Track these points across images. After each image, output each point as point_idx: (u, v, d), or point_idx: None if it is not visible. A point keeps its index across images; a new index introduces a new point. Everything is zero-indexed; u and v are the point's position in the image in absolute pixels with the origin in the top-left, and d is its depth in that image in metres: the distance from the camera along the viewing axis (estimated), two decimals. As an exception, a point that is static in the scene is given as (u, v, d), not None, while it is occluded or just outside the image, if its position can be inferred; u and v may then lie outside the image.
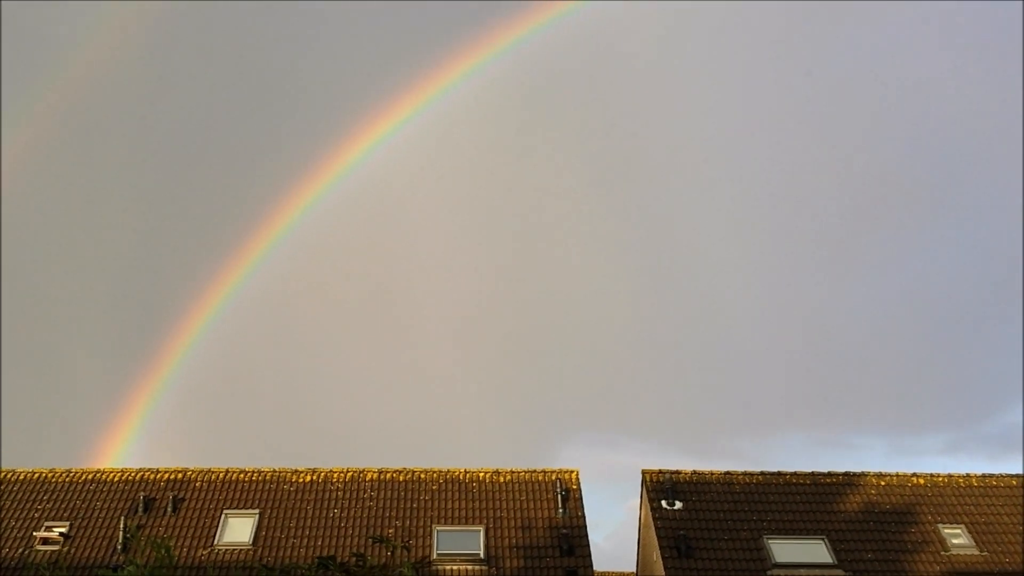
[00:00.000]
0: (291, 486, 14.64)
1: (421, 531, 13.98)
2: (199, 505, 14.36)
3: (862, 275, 21.88)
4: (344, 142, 16.65)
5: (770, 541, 14.49)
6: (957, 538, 14.64)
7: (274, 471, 15.32)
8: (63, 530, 13.91)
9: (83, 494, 14.56)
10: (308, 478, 14.74)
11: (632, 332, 20.88)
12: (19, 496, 14.53)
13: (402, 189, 18.92)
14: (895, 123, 20.74)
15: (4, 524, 14.16)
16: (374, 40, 18.60)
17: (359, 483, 14.74)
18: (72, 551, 13.68)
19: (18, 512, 14.27)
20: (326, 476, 14.79)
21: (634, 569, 15.99)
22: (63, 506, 14.35)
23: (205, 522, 14.10)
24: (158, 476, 14.80)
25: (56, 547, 13.73)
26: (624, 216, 20.84)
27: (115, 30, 18.15)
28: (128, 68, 18.79)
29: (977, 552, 14.44)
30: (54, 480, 14.83)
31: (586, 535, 13.97)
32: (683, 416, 21.81)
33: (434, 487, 14.64)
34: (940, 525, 14.88)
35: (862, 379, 21.25)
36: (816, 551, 14.40)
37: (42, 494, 14.59)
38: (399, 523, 14.12)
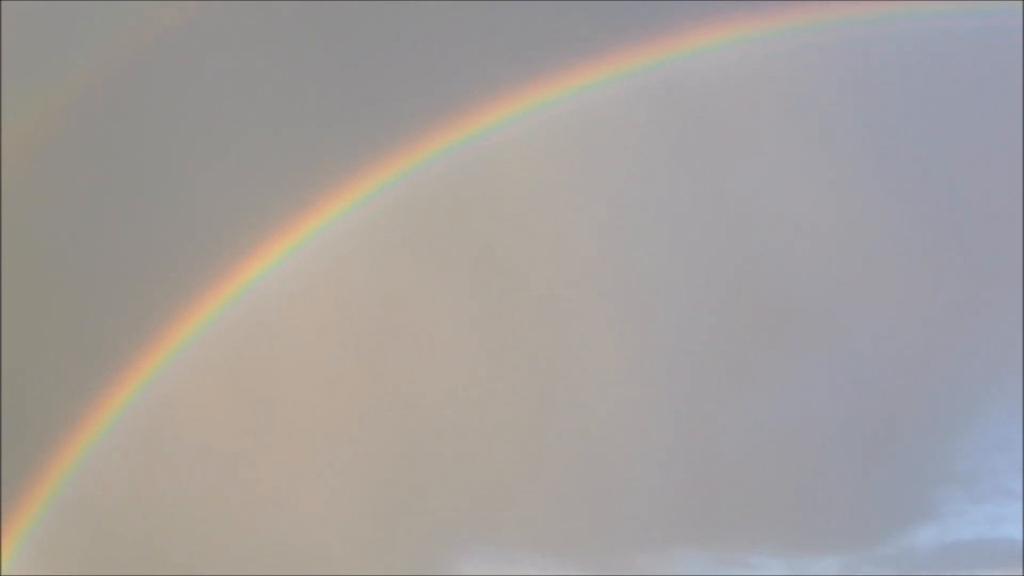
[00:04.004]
0: (178, 595, 14.89)
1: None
2: (83, 615, 14.58)
3: (757, 394, 22.06)
4: (235, 267, 17.36)
5: (668, 662, 14.31)
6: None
7: (161, 580, 14.91)
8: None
9: (-41, 601, 14.71)
10: (197, 587, 15.03)
11: (528, 444, 20.94)
12: None
13: (291, 309, 19.36)
14: (787, 244, 21.12)
15: None
16: (269, 163, 18.87)
17: (250, 594, 15.08)
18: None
19: None
20: (217, 586, 15.09)
21: None
22: (-64, 613, 14.47)
23: (87, 634, 14.30)
24: (41, 582, 14.94)
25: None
26: (511, 328, 21.10)
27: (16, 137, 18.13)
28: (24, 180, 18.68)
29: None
30: (-72, 585, 14.85)
31: (482, 654, 14.36)
32: (581, 531, 21.76)
33: (329, 600, 15.05)
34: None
35: (760, 498, 21.41)
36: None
37: (-86, 600, 14.67)
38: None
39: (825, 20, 13.72)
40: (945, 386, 17.19)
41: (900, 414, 18.88)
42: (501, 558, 23.47)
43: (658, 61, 14.36)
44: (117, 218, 19.62)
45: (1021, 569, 12.17)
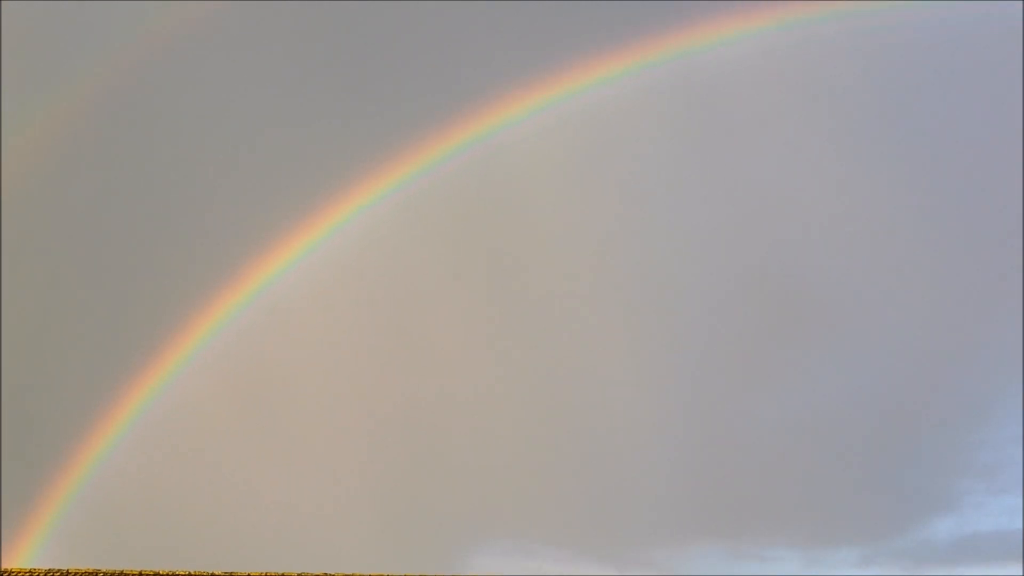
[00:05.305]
0: (203, 589, 14.89)
1: (335, 639, 14.31)
2: (106, 608, 14.58)
3: (774, 389, 22.35)
4: (250, 270, 17.42)
5: (688, 655, 14.38)
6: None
7: (189, 574, 14.91)
8: (-40, 632, 13.88)
9: (-16, 594, 14.73)
10: (222, 582, 15.02)
11: (545, 442, 21.15)
12: (-85, 595, 14.58)
13: (306, 311, 19.49)
14: (804, 239, 21.34)
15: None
16: (282, 166, 18.98)
17: (274, 588, 15.08)
18: (-32, 654, 13.63)
19: (-87, 612, 14.30)
20: (241, 580, 15.09)
21: None
22: (-39, 606, 14.48)
23: (111, 626, 14.29)
24: (66, 577, 14.96)
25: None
26: (525, 327, 21.23)
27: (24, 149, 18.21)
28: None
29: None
30: (-47, 579, 14.87)
31: (502, 647, 14.42)
32: (598, 526, 21.94)
33: (352, 593, 15.07)
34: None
35: (776, 492, 21.66)
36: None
37: (-60, 593, 14.69)
38: (314, 631, 14.45)
39: (836, 11, 13.59)
40: (964, 379, 17.07)
41: (919, 407, 18.73)
42: (519, 552, 23.10)
43: (671, 56, 14.30)
44: (132, 227, 19.39)
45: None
